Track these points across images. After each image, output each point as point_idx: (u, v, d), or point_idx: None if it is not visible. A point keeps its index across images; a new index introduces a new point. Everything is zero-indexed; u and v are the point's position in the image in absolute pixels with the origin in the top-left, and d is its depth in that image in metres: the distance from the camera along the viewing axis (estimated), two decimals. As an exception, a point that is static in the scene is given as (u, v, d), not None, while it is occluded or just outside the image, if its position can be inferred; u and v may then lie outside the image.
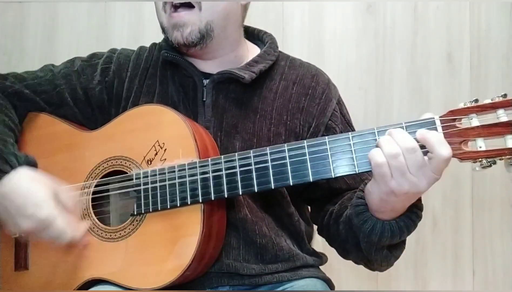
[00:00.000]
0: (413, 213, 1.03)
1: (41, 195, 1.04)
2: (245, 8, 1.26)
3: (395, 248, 1.10)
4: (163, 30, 1.19)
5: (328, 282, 1.24)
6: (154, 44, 1.32)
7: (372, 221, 1.03)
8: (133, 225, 1.10)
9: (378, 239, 1.03)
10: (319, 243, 1.33)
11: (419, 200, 1.04)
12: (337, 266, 1.74)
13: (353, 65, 1.87)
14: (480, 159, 0.92)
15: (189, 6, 1.15)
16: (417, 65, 1.86)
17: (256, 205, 1.17)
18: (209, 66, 1.23)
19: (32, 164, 1.10)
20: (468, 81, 1.85)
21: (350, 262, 1.21)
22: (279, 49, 1.31)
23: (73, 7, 1.88)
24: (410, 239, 1.82)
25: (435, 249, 1.85)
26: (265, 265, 1.15)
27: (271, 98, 1.22)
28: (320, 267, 1.27)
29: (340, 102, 1.28)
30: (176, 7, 1.15)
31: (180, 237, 1.05)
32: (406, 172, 0.92)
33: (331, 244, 1.23)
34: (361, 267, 1.21)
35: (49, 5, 1.88)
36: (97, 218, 1.14)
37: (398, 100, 1.86)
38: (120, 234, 1.10)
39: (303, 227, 1.24)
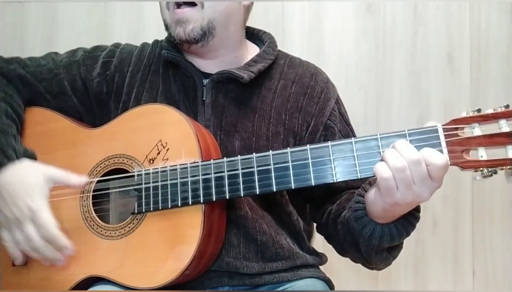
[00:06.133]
0: (411, 215, 1.04)
1: (34, 184, 1.06)
2: (247, 9, 1.27)
3: (393, 249, 1.11)
4: (166, 27, 1.21)
5: (328, 282, 1.24)
6: (156, 41, 1.33)
7: (371, 226, 1.04)
8: (133, 223, 1.10)
9: (378, 243, 1.04)
10: (319, 243, 1.33)
11: None
12: (337, 266, 1.74)
13: (353, 65, 1.87)
14: (481, 168, 0.93)
15: (192, 4, 1.16)
16: (417, 65, 1.86)
17: (256, 203, 1.17)
18: (209, 66, 1.24)
19: (31, 156, 1.13)
20: (468, 81, 1.85)
21: (350, 262, 1.21)
22: (279, 48, 1.31)
23: (73, 7, 1.88)
24: (410, 239, 1.81)
25: (435, 249, 1.85)
26: (265, 263, 1.15)
27: (270, 98, 1.22)
28: (320, 267, 1.27)
29: (338, 102, 1.28)
30: (179, 4, 1.16)
31: (180, 236, 1.05)
32: (412, 184, 0.93)
33: (329, 242, 1.24)
34: (361, 267, 1.21)
35: (49, 5, 1.88)
36: (97, 216, 1.14)
37: (398, 100, 1.86)
38: (120, 232, 1.10)
39: (302, 226, 1.24)
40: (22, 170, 1.09)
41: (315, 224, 1.30)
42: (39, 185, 1.07)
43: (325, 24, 1.88)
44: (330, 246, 1.24)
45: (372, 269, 1.18)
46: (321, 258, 1.27)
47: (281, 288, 1.16)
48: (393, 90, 1.87)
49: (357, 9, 1.87)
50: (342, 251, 1.20)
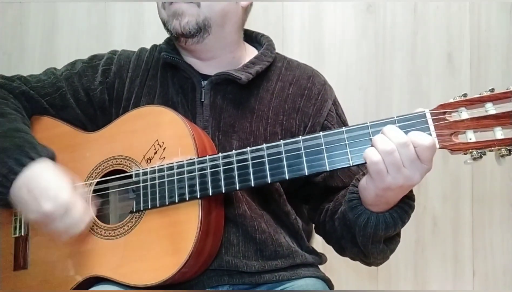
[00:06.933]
0: (405, 203, 1.05)
1: (64, 182, 1.06)
2: (245, 10, 1.28)
3: (390, 242, 1.12)
4: (164, 25, 1.21)
5: (328, 282, 1.24)
6: (154, 46, 1.34)
7: (366, 214, 1.05)
8: (132, 222, 1.10)
9: (374, 232, 1.05)
10: (319, 243, 1.33)
11: (411, 190, 1.06)
12: (337, 265, 1.74)
13: (353, 65, 1.88)
14: (470, 151, 0.95)
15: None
16: (417, 65, 1.87)
17: (254, 202, 1.18)
18: (208, 67, 1.25)
19: (54, 157, 1.12)
20: (468, 81, 1.85)
21: (350, 262, 1.22)
22: (279, 49, 1.33)
23: (73, 7, 1.88)
24: (410, 239, 1.83)
25: (435, 249, 1.85)
26: (265, 261, 1.15)
27: (268, 99, 1.23)
28: (320, 267, 1.28)
29: (336, 103, 1.29)
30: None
31: (178, 233, 1.05)
32: (401, 167, 0.94)
33: (327, 242, 1.24)
34: (361, 267, 1.21)
35: (49, 5, 1.88)
36: (97, 216, 1.15)
37: (398, 100, 1.87)
38: (119, 231, 1.11)
39: (301, 226, 1.25)
40: (51, 167, 1.08)
41: (313, 224, 1.31)
42: (69, 185, 1.06)
43: (325, 24, 1.88)
44: (330, 246, 1.24)
45: (370, 264, 1.19)
46: (321, 258, 1.27)
47: (280, 288, 1.16)
48: (393, 90, 1.87)
49: (357, 9, 1.87)
50: (340, 249, 1.20)
